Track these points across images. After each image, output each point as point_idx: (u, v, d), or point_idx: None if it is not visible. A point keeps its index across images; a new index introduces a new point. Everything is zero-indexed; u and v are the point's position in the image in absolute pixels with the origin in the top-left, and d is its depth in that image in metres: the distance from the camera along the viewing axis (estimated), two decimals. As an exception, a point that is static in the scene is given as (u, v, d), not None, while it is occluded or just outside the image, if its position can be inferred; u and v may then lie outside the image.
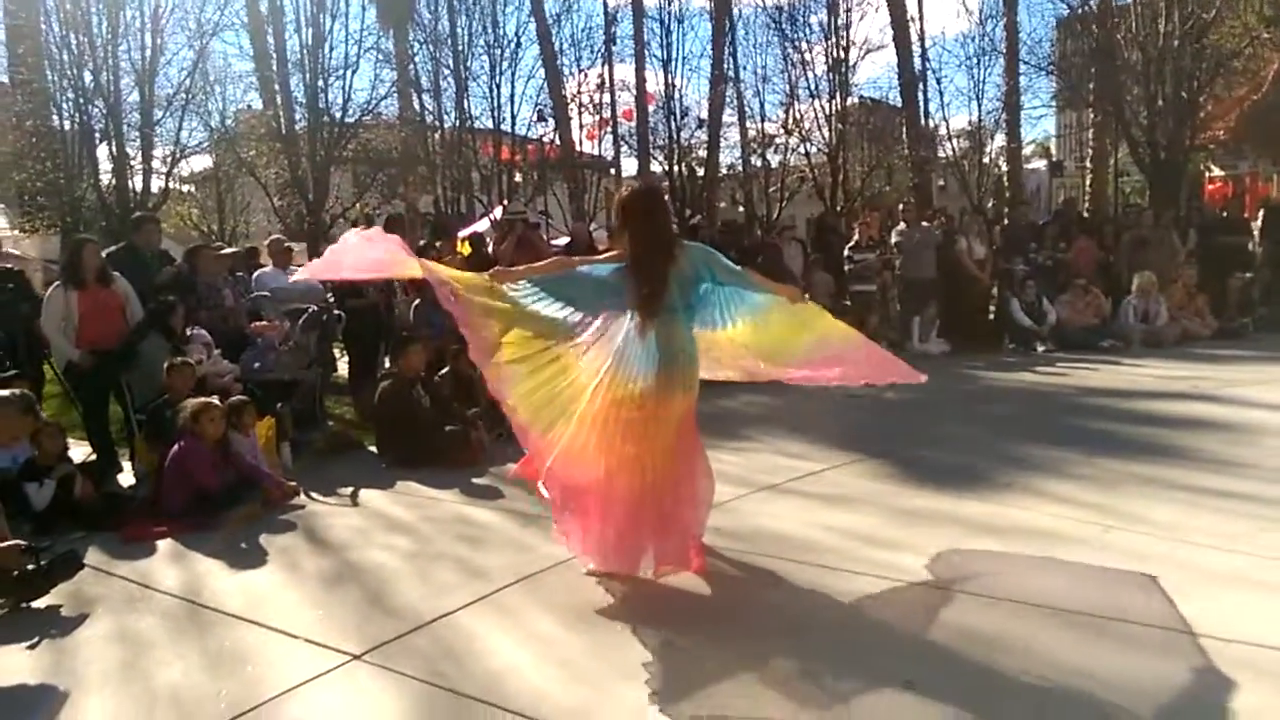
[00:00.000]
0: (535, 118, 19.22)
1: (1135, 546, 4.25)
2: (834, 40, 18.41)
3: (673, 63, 18.88)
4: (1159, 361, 10.10)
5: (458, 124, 18.95)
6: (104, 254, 7.14)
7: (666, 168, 18.94)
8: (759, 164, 19.88)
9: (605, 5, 19.33)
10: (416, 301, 8.30)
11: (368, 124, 17.47)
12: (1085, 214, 16.55)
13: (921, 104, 18.56)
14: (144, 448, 6.41)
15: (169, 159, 16.33)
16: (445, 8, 18.85)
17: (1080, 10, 17.24)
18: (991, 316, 12.71)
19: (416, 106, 18.93)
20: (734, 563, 4.28)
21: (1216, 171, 20.55)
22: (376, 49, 17.65)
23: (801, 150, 19.07)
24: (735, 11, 19.08)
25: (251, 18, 17.30)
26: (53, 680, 3.55)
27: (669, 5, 18.88)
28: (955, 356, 11.22)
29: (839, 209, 18.03)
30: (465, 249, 10.87)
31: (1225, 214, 14.93)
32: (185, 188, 21.58)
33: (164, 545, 5.14)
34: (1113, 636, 3.35)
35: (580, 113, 19.60)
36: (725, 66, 18.78)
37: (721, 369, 4.55)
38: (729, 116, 19.33)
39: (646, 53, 18.96)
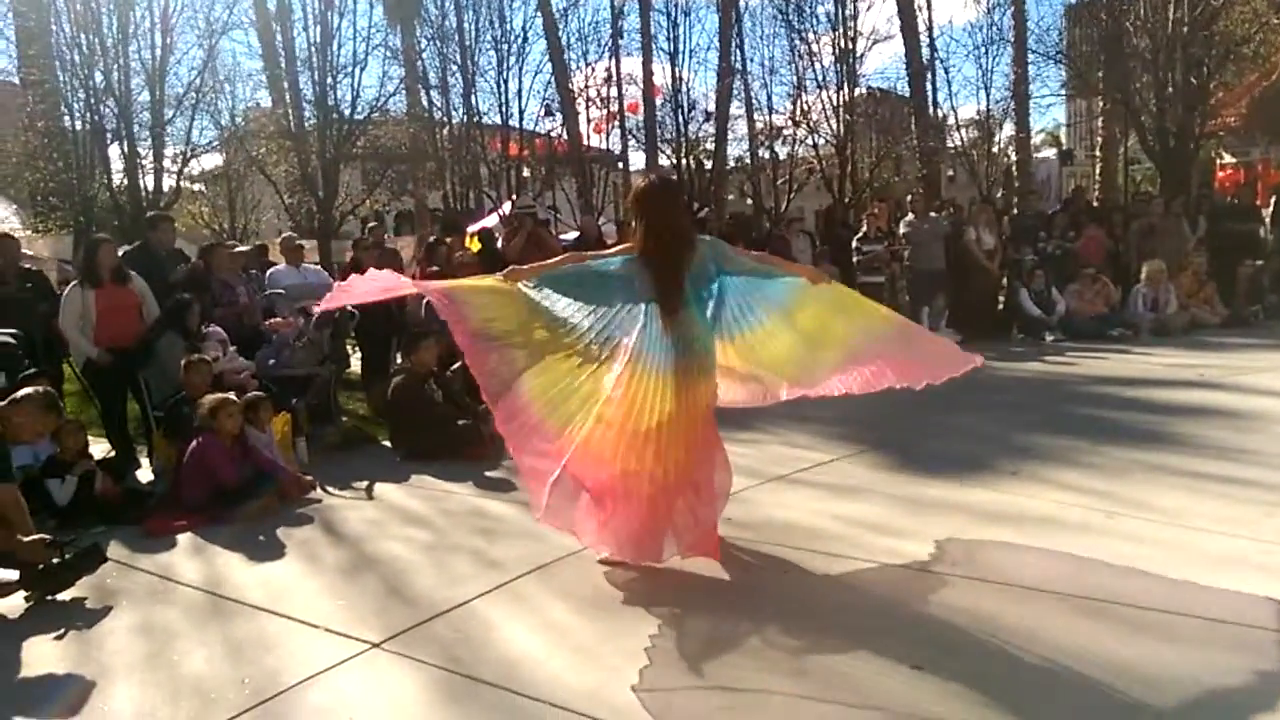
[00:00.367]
0: (543, 112, 19.31)
1: (1139, 532, 4.31)
2: (841, 31, 18.40)
3: (680, 55, 18.93)
4: (1168, 350, 10.12)
5: (465, 119, 19.03)
6: (120, 253, 7.24)
7: (674, 161, 18.99)
8: (767, 156, 19.92)
9: (612, -2, 19.36)
10: (427, 299, 8.36)
11: (376, 120, 17.57)
12: (1095, 203, 16.54)
13: (930, 94, 18.55)
14: (162, 444, 6.51)
15: (180, 158, 16.49)
16: (452, 3, 18.92)
17: (1089, -1, 17.24)
18: (1001, 306, 12.73)
19: (424, 102, 19.00)
20: (744, 551, 4.35)
21: (1228, 158, 20.47)
22: (385, 46, 17.75)
23: (809, 142, 19.10)
24: (742, 3, 19.09)
25: (260, 16, 17.40)
26: (80, 670, 3.64)
27: (675, -3, 18.91)
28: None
29: (847, 200, 18.04)
30: (475, 245, 10.96)
31: (1235, 201, 14.89)
32: (196, 186, 21.74)
33: (184, 539, 5.24)
34: (1117, 620, 3.41)
35: (588, 107, 19.65)
36: (732, 58, 18.80)
37: (743, 387, 4.56)
38: (736, 109, 19.38)
39: (653, 45, 19.00)
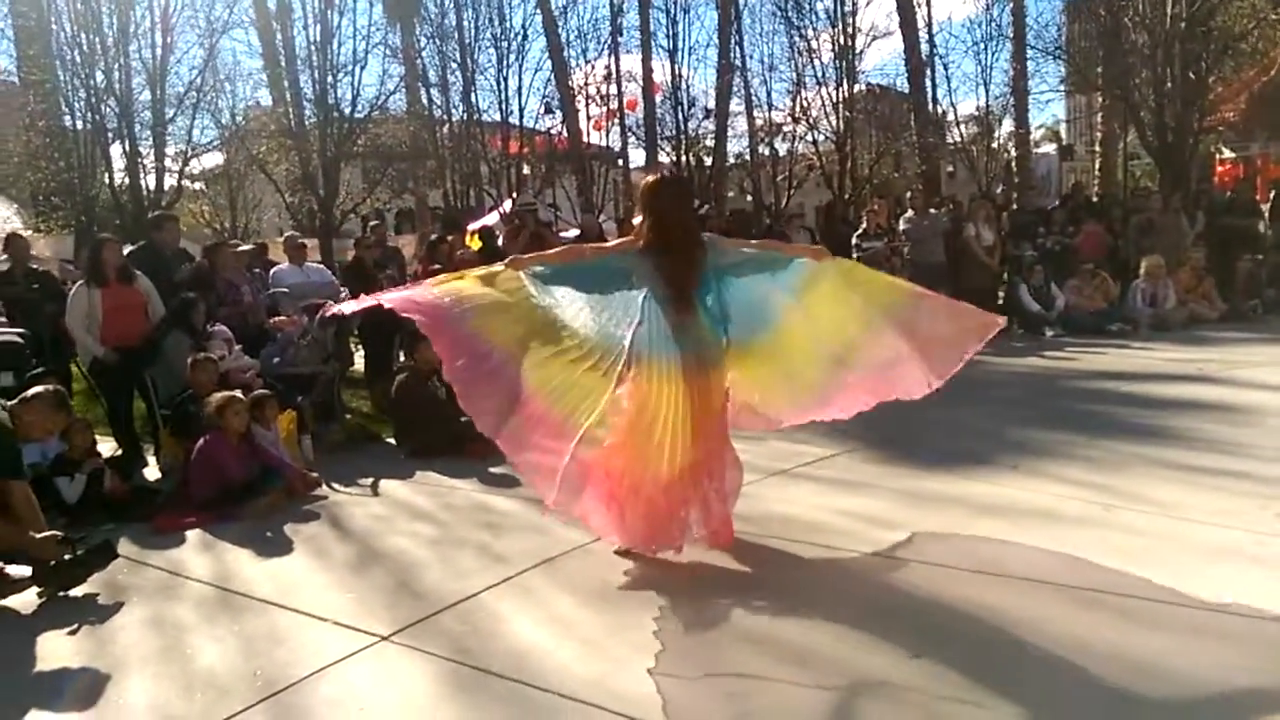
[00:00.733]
0: (542, 110, 19.36)
1: (1136, 524, 4.37)
2: (840, 27, 18.46)
3: (679, 52, 19.01)
4: (1166, 345, 10.17)
5: (465, 117, 19.09)
6: (125, 252, 7.30)
7: (674, 157, 19.04)
8: (766, 153, 19.99)
9: (611, -4, 19.41)
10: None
11: (377, 119, 17.63)
12: (1094, 198, 16.58)
13: (929, 90, 18.61)
14: (170, 442, 6.57)
15: (181, 157, 16.55)
16: (452, 2, 18.98)
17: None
18: (1000, 302, 12.77)
19: (425, 101, 19.06)
20: (747, 545, 4.39)
21: (1227, 153, 20.51)
22: (385, 44, 17.81)
23: (809, 138, 19.17)
24: (741, 0, 19.13)
25: (260, 15, 17.47)
26: (94, 664, 3.69)
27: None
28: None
29: (847, 197, 18.10)
30: (475, 242, 11.02)
31: (1233, 196, 14.93)
32: (197, 185, 21.80)
33: (193, 535, 5.30)
34: (1113, 610, 3.46)
35: (587, 104, 19.70)
36: (732, 55, 18.87)
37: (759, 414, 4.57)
38: (736, 105, 19.46)
39: (653, 43, 19.06)
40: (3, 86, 17.74)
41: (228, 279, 8.02)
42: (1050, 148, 29.41)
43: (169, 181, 16.11)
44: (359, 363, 9.44)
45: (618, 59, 19.59)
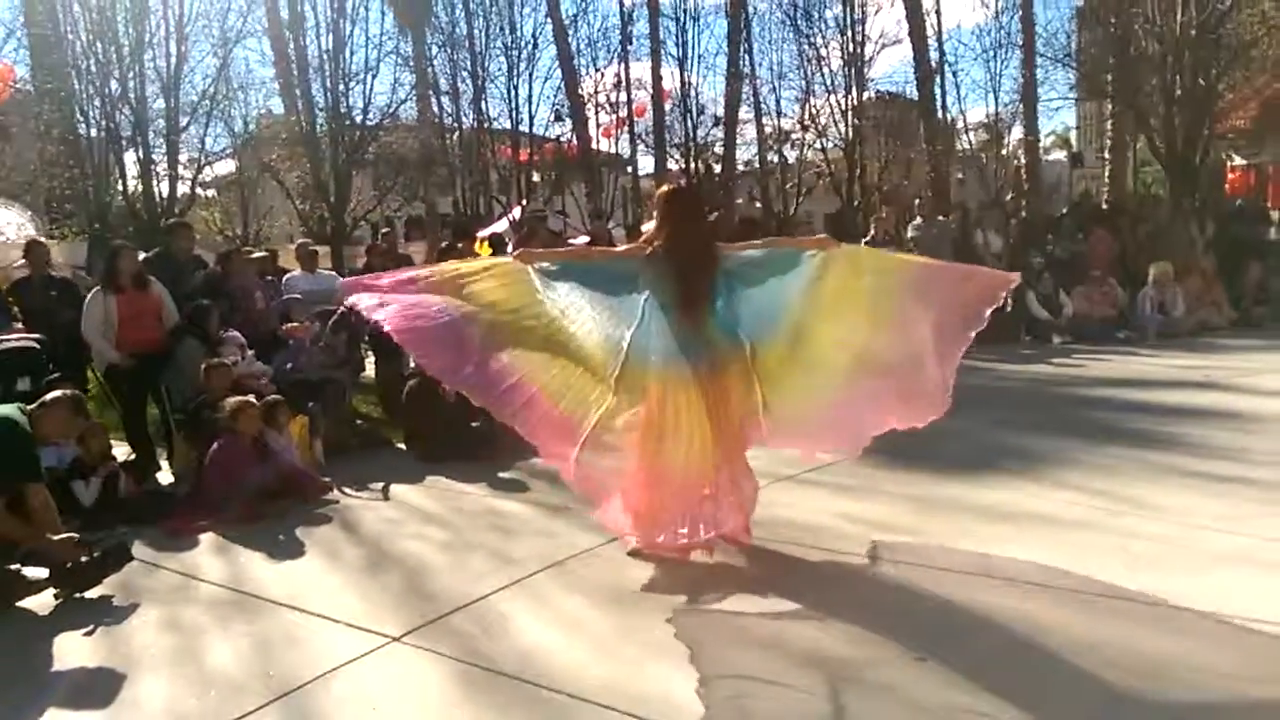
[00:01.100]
0: (552, 118, 19.45)
1: (1141, 530, 4.39)
2: (850, 35, 18.50)
3: (689, 60, 19.07)
4: (1174, 352, 10.18)
5: (476, 125, 19.19)
6: (140, 259, 7.38)
7: (683, 165, 19.10)
8: (776, 160, 20.01)
9: (621, 4, 19.53)
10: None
11: (387, 127, 17.73)
12: (1104, 206, 16.58)
13: (939, 97, 18.62)
14: (183, 446, 6.63)
15: (193, 164, 16.66)
16: (463, 11, 19.10)
17: (1096, 1, 17.26)
18: (1008, 309, 12.77)
19: (435, 109, 19.17)
20: (755, 549, 4.43)
21: (1238, 161, 20.47)
22: (396, 53, 17.92)
23: (818, 145, 19.20)
24: (750, 8, 19.22)
25: (273, 24, 17.57)
26: (109, 664, 3.75)
27: (684, 3, 19.07)
28: (971, 349, 11.27)
29: (856, 204, 18.13)
30: (485, 250, 11.08)
31: (1242, 203, 14.93)
32: (209, 192, 21.93)
33: (206, 538, 5.36)
34: (1117, 614, 3.50)
35: (597, 112, 19.79)
36: (741, 63, 18.93)
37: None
38: (745, 113, 19.52)
39: (662, 51, 19.14)
40: (19, 95, 17.89)
41: (241, 286, 8.09)
42: (1061, 155, 29.37)
43: (182, 189, 16.22)
44: (370, 368, 9.50)
45: (627, 67, 19.70)
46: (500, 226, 14.83)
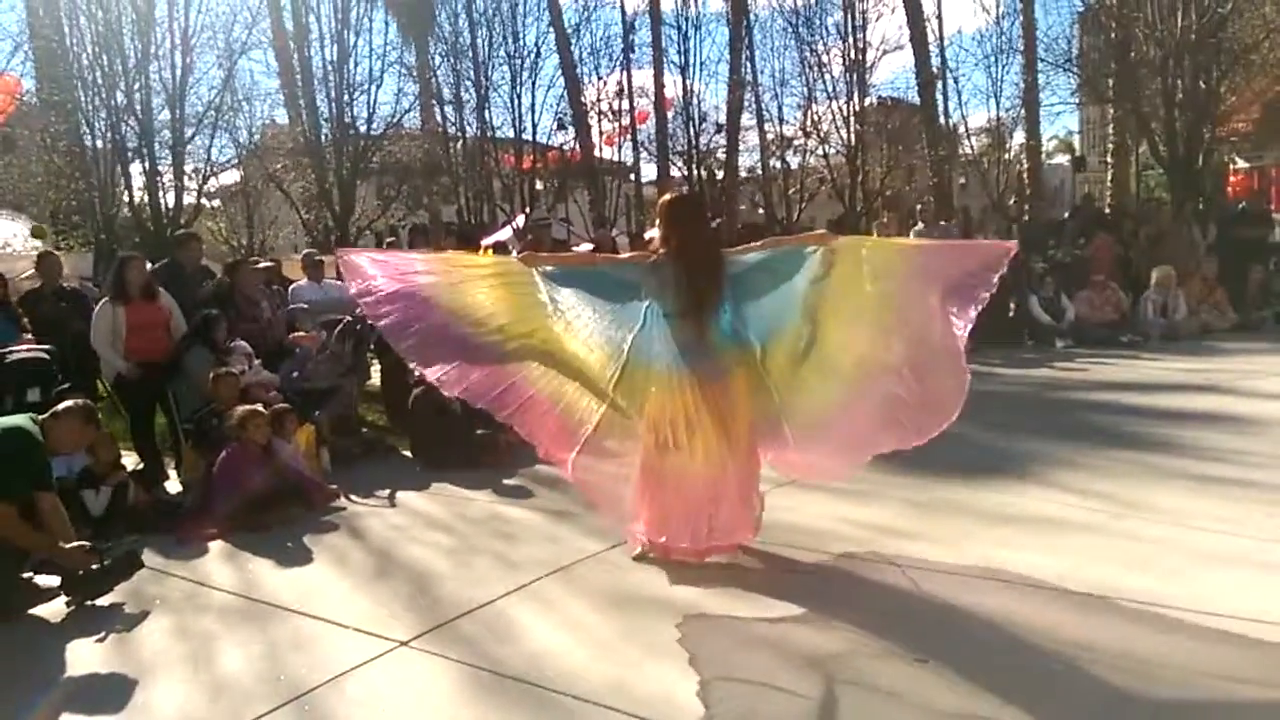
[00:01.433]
0: (555, 126, 19.55)
1: (1143, 532, 4.44)
2: (851, 41, 18.59)
3: (691, 68, 19.17)
4: (1177, 356, 10.21)
5: (479, 134, 19.29)
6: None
7: (686, 172, 19.18)
8: (778, 166, 20.09)
9: (623, 13, 19.63)
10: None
11: (391, 136, 17.84)
12: (1107, 210, 16.61)
13: (940, 103, 18.68)
14: (191, 455, 6.69)
15: (199, 175, 16.76)
16: (466, 20, 19.21)
17: (1097, 6, 17.32)
18: (1011, 314, 12.80)
19: (439, 118, 19.28)
20: (757, 552, 4.48)
21: (1241, 164, 20.50)
22: (400, 63, 18.04)
23: (820, 152, 19.27)
24: (752, 15, 19.31)
25: (278, 36, 17.69)
26: (121, 670, 3.79)
27: (686, 11, 19.17)
28: (974, 353, 11.30)
29: (858, 209, 18.18)
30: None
31: (1244, 206, 14.95)
32: (214, 203, 22.05)
33: (215, 546, 5.41)
34: (1116, 614, 3.54)
35: (599, 120, 19.88)
36: (743, 70, 19.01)
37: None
38: (747, 120, 19.61)
39: (664, 59, 19.23)
40: (25, 107, 18.02)
41: (248, 295, 8.16)
42: (1064, 159, 29.42)
43: (187, 199, 16.35)
44: (376, 377, 9.56)
45: (630, 75, 19.79)
46: (504, 234, 14.84)
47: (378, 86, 17.19)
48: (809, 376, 4.40)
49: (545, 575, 4.39)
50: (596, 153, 20.09)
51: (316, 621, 4.08)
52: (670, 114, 19.53)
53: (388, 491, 6.34)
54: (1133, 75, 16.07)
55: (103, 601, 4.52)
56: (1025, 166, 19.39)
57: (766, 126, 19.83)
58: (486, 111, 19.16)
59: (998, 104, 18.72)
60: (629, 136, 20.34)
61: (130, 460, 6.93)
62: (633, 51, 19.61)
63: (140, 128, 15.13)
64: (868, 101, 19.27)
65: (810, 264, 4.33)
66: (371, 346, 9.00)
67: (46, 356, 6.70)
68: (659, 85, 19.29)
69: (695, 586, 4.13)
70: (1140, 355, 10.51)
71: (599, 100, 19.82)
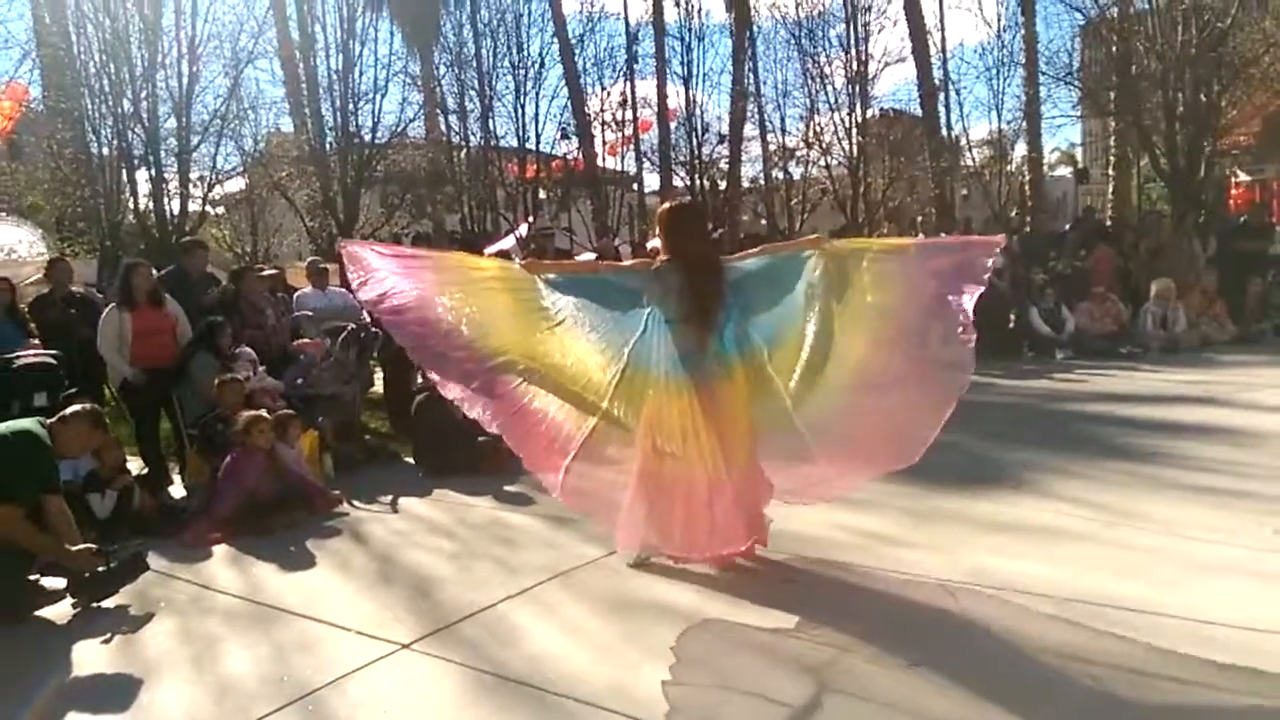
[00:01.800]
0: (559, 136, 19.63)
1: (1135, 541, 4.48)
2: (853, 53, 18.65)
3: (694, 79, 19.22)
4: (1176, 368, 10.24)
5: (483, 143, 19.37)
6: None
7: (689, 182, 19.25)
8: (780, 177, 20.13)
9: (627, 24, 19.72)
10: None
11: (396, 145, 17.90)
12: (1108, 222, 16.66)
13: (942, 115, 18.75)
14: (196, 460, 6.75)
15: (203, 182, 16.81)
16: (470, 30, 19.30)
17: (1098, 19, 17.39)
18: (1011, 325, 12.85)
19: (443, 127, 19.35)
20: (754, 559, 4.53)
21: (1243, 177, 20.54)
22: (405, 73, 18.11)
23: (822, 163, 19.31)
24: (755, 27, 19.39)
25: (283, 46, 17.77)
26: (127, 670, 3.86)
27: (690, 22, 19.26)
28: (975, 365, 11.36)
29: (860, 221, 18.23)
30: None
31: (1245, 219, 14.99)
32: (218, 210, 22.12)
33: (219, 550, 5.47)
34: (1109, 623, 3.56)
35: (603, 129, 19.96)
36: (746, 81, 19.07)
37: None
38: (750, 130, 19.62)
39: (668, 69, 19.31)
40: (31, 114, 18.10)
41: (252, 302, 8.23)
42: (1066, 171, 29.50)
43: (192, 206, 16.37)
44: (379, 384, 9.62)
45: (633, 85, 19.87)
46: (507, 243, 14.96)
47: (382, 96, 17.21)
48: (814, 382, 4.45)
49: (545, 580, 4.45)
50: (600, 162, 20.16)
51: (319, 624, 4.13)
52: (673, 124, 19.61)
53: (390, 497, 6.40)
54: (1134, 88, 16.12)
55: (108, 603, 4.58)
56: (1027, 179, 19.46)
57: (769, 137, 19.88)
58: (490, 121, 19.22)
59: (999, 116, 18.77)
60: (632, 146, 20.41)
61: (135, 465, 7.00)
62: (636, 62, 19.69)
63: (146, 135, 15.19)
64: (870, 113, 19.30)
65: (807, 269, 4.41)
66: (375, 354, 9.07)
67: (53, 361, 6.77)
68: (662, 96, 19.37)
69: (693, 592, 4.18)
70: (1139, 367, 10.55)
71: (602, 110, 19.87)
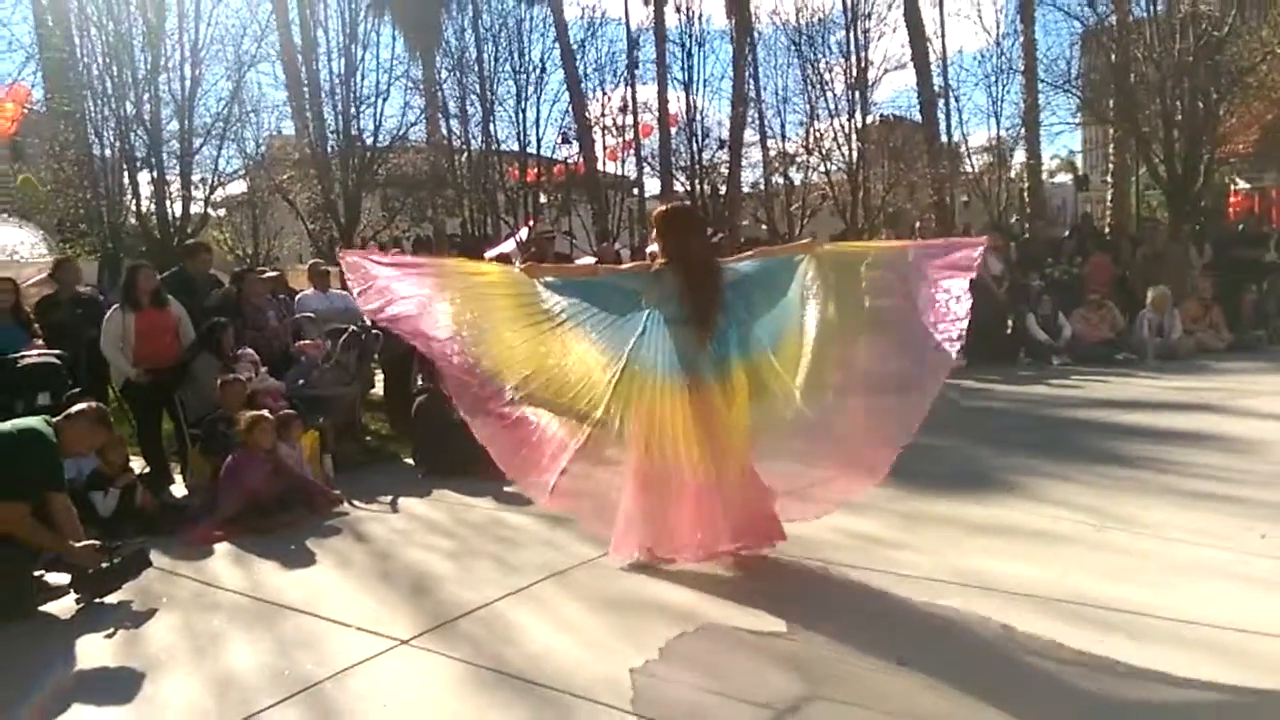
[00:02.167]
0: (560, 140, 19.73)
1: (1126, 544, 4.55)
2: (853, 60, 18.75)
3: (694, 84, 19.34)
4: (1171, 375, 10.30)
5: (484, 147, 19.46)
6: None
7: (689, 187, 19.34)
8: (780, 182, 20.23)
9: (628, 29, 19.83)
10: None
11: (397, 149, 17.99)
12: (1106, 229, 16.73)
13: (942, 121, 18.86)
14: (198, 459, 6.81)
15: (205, 184, 16.89)
16: (472, 35, 19.42)
17: (1096, 27, 17.48)
18: (1008, 331, 12.91)
19: (444, 131, 19.45)
20: (747, 559, 4.59)
21: (1242, 185, 20.62)
22: (406, 77, 18.20)
23: (822, 168, 19.41)
24: (755, 33, 19.49)
25: (286, 49, 17.85)
26: (130, 665, 3.91)
27: (690, 28, 19.37)
28: (970, 370, 11.41)
29: (860, 226, 18.31)
30: (493, 269, 11.24)
31: (1242, 227, 15.07)
32: (220, 212, 22.18)
33: (221, 548, 5.53)
34: (1098, 623, 3.63)
35: (604, 134, 20.06)
36: (746, 87, 19.17)
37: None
38: (750, 136, 19.75)
39: (668, 75, 19.41)
40: (34, 116, 18.18)
41: (254, 304, 8.29)
42: (1066, 178, 29.59)
43: (194, 209, 16.44)
44: (379, 385, 9.68)
45: (634, 91, 19.98)
46: (508, 247, 14.99)
47: (384, 100, 17.34)
48: (813, 383, 4.48)
49: (543, 579, 4.51)
50: (600, 167, 20.27)
51: (320, 620, 4.19)
52: (674, 129, 19.71)
53: (390, 497, 6.47)
54: (1132, 96, 16.20)
55: (111, 599, 4.64)
56: (1026, 185, 19.55)
57: (769, 143, 20.03)
58: (491, 125, 19.36)
59: (998, 123, 18.93)
60: (632, 151, 20.53)
61: (137, 465, 7.05)
62: (637, 67, 19.82)
63: (149, 138, 15.27)
64: (869, 119, 19.43)
65: (800, 271, 4.49)
66: (375, 356, 9.13)
67: (57, 361, 6.82)
68: (663, 101, 19.49)
69: (687, 591, 4.24)
70: (1135, 373, 10.61)
71: (603, 115, 20.01)
